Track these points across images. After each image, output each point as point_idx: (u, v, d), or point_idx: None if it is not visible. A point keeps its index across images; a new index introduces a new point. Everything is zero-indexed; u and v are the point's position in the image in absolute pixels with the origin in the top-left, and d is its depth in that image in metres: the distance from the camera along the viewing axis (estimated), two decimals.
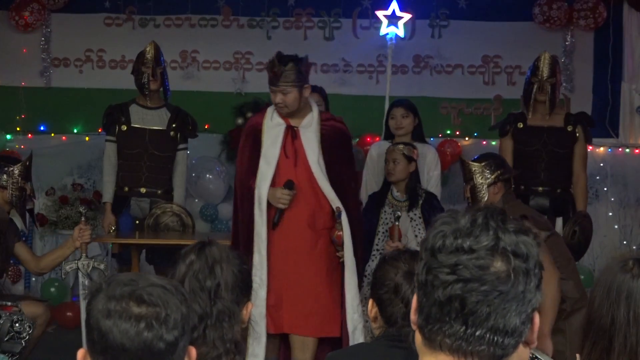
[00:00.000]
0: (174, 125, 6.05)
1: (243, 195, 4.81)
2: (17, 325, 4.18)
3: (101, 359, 1.67)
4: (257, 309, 4.40)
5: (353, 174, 4.96)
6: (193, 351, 1.76)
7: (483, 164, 4.76)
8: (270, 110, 4.80)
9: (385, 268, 2.63)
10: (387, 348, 2.55)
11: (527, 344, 1.47)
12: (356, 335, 4.67)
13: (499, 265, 1.42)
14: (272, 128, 4.74)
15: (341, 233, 4.65)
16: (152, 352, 1.65)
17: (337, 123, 4.90)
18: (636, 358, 2.30)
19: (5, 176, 5.06)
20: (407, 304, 2.52)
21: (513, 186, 5.01)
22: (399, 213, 5.11)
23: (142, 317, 1.65)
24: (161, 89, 6.11)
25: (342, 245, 4.67)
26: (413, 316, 1.50)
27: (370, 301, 2.65)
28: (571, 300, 4.41)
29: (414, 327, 1.51)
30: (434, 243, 1.45)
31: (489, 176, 4.71)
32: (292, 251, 4.71)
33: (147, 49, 6.04)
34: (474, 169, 4.76)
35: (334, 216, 4.70)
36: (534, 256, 1.44)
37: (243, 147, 4.86)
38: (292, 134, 4.74)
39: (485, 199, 4.68)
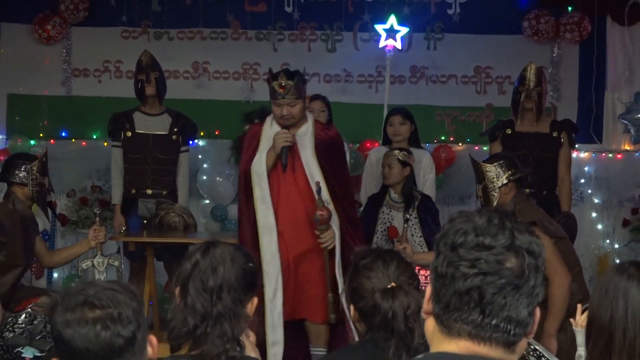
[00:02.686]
0: (175, 130, 6.13)
1: (246, 188, 4.78)
2: (49, 326, 4.47)
3: None
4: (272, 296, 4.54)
5: (346, 176, 4.96)
6: (154, 339, 1.83)
7: (495, 164, 4.67)
8: (269, 119, 4.87)
9: (361, 280, 2.57)
10: (373, 348, 2.53)
11: (526, 334, 1.56)
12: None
13: (514, 261, 1.50)
14: (271, 135, 4.73)
15: (323, 212, 4.57)
16: (112, 349, 1.72)
17: (330, 131, 4.94)
18: (635, 352, 2.41)
19: (25, 173, 5.12)
20: (387, 320, 2.51)
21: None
22: (407, 216, 5.13)
23: (97, 320, 1.72)
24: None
25: (323, 224, 4.59)
26: (427, 305, 1.57)
27: (352, 307, 2.63)
28: (575, 300, 4.33)
29: (425, 315, 1.58)
30: (454, 239, 1.52)
31: (500, 177, 4.61)
32: (292, 252, 4.72)
33: (141, 57, 6.10)
34: (485, 169, 4.67)
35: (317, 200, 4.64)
36: (542, 255, 1.54)
37: (246, 150, 4.87)
38: None
39: (497, 199, 4.61)
